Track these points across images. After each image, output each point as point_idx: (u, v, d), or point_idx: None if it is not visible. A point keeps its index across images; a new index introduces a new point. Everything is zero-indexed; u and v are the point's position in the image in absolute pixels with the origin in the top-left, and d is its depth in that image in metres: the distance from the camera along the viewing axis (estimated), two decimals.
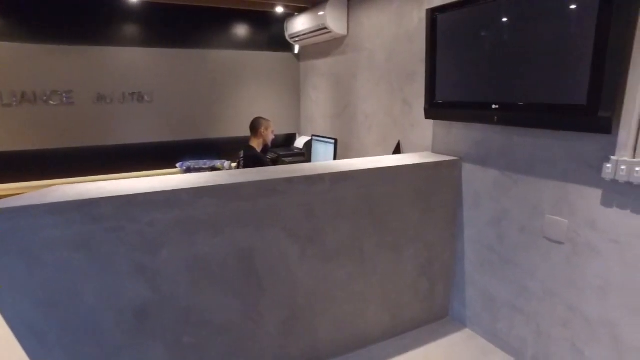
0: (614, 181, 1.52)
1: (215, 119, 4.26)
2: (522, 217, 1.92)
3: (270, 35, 4.36)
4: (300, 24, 3.80)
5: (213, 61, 4.12)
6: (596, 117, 1.47)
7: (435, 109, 2.25)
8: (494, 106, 1.86)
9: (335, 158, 3.61)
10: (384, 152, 3.12)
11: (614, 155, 1.51)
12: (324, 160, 3.75)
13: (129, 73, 3.83)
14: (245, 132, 3.18)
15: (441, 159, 2.20)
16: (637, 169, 1.43)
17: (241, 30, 4.23)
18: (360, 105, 3.40)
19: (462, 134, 2.20)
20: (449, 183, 2.21)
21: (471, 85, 1.99)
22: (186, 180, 1.62)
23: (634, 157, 1.45)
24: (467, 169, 2.19)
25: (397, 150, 2.95)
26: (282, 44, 4.38)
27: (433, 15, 2.12)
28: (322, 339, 1.97)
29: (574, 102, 1.52)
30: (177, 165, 4.01)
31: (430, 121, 2.44)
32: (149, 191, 1.44)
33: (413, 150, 2.73)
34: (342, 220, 1.89)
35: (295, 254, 1.80)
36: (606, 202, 1.57)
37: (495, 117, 1.87)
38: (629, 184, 1.48)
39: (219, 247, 1.61)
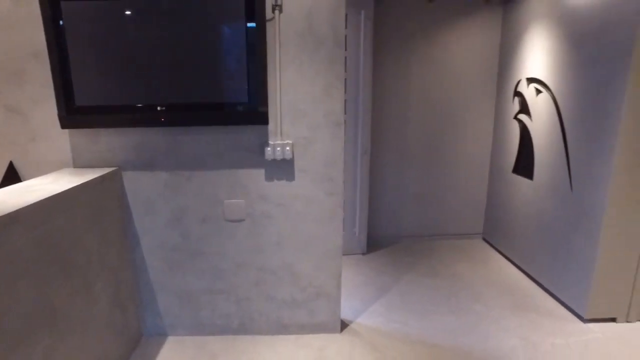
0: (273, 160, 1.99)
1: None
2: (202, 209, 2.08)
3: None
4: None
5: None
6: (256, 111, 1.84)
7: (76, 115, 1.91)
8: (159, 107, 1.86)
9: None
10: None
11: (270, 140, 1.96)
12: None
13: None
14: None
15: (101, 172, 1.93)
16: (287, 148, 1.94)
17: None
18: None
19: (115, 141, 2.02)
20: (114, 196, 2.00)
21: (127, 87, 1.85)
22: None
23: (282, 140, 1.95)
24: (130, 177, 2.07)
25: (11, 175, 2.23)
26: None
27: (53, 1, 1.76)
28: None
29: (238, 100, 1.82)
30: None
31: (65, 131, 2.06)
32: None
33: (41, 171, 2.16)
34: (22, 281, 1.32)
35: None
36: (269, 177, 2.02)
37: (162, 118, 1.88)
38: (283, 160, 1.98)
39: None
